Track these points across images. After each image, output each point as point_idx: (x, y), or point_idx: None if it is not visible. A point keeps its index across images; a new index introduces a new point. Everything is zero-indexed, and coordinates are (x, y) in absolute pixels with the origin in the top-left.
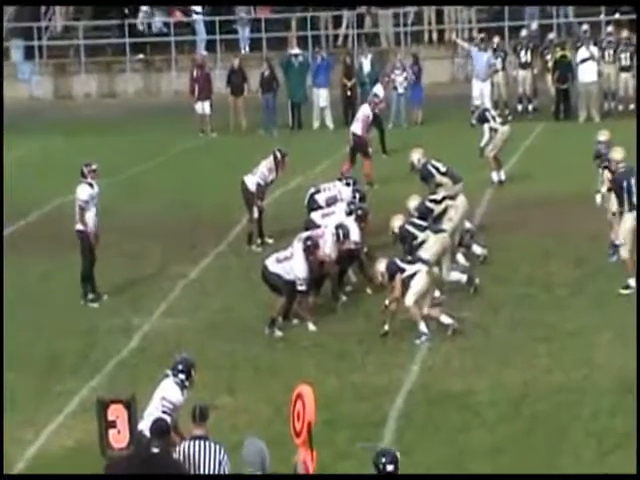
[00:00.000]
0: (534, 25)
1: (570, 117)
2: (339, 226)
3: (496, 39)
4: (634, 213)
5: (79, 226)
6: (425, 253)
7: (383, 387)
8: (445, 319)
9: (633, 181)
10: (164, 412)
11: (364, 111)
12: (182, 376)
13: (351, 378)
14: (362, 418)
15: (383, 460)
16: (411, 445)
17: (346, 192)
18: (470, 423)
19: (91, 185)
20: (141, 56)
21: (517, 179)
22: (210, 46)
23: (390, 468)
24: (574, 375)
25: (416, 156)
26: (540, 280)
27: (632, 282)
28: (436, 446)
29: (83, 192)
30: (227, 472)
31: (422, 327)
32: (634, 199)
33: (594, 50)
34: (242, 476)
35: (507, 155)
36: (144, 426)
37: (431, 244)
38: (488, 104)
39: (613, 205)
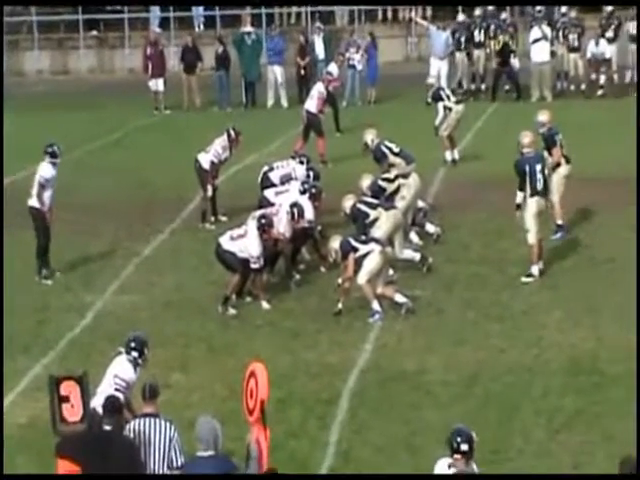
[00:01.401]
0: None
1: (504, 98)
2: (293, 205)
3: (461, 17)
4: (536, 198)
5: (35, 203)
6: (378, 231)
7: (336, 365)
8: (399, 298)
9: (538, 167)
10: (117, 390)
11: (318, 89)
12: (135, 354)
13: (304, 356)
14: (315, 396)
15: (458, 439)
16: (364, 424)
17: (300, 170)
18: (423, 402)
19: (54, 165)
20: (95, 33)
21: (470, 158)
22: (164, 23)
23: (464, 447)
24: (526, 355)
25: (369, 136)
26: (493, 259)
27: (535, 270)
28: (389, 425)
29: (47, 170)
30: (177, 449)
31: (375, 306)
32: (537, 185)
33: (547, 30)
34: (243, 476)
35: (460, 135)
36: (96, 403)
37: (383, 221)
38: (444, 83)
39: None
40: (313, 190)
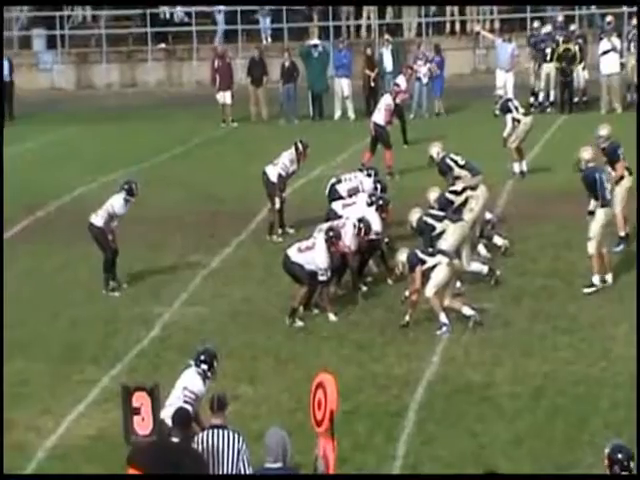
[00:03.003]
0: (560, 17)
1: (574, 109)
2: (360, 220)
3: (548, 28)
4: (606, 209)
5: (98, 222)
6: (444, 243)
7: (403, 378)
8: (466, 310)
9: (605, 177)
10: (186, 402)
11: (386, 101)
12: (204, 366)
13: (371, 368)
14: (382, 408)
15: (619, 456)
16: (431, 436)
17: (367, 183)
18: (490, 415)
19: (127, 202)
20: (163, 45)
21: (538, 170)
22: (231, 36)
23: (632, 465)
24: (594, 367)
25: (435, 150)
26: (561, 271)
27: (596, 280)
28: (456, 437)
29: (119, 205)
30: (246, 461)
31: (443, 318)
32: (607, 195)
33: (616, 42)
34: (245, 476)
35: (528, 146)
36: (165, 415)
37: (450, 233)
38: (511, 95)
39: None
40: (380, 202)
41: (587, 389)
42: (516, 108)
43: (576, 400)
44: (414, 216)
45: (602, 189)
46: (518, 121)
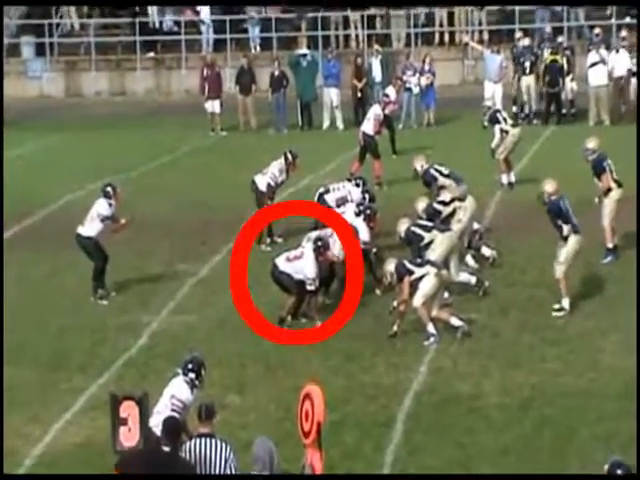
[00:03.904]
0: (548, 28)
1: (563, 121)
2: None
3: (526, 41)
4: (579, 237)
5: (86, 232)
6: (432, 253)
7: (392, 388)
8: (454, 321)
9: (567, 203)
10: (173, 410)
11: (375, 111)
12: (192, 375)
13: (360, 378)
14: (370, 418)
15: (619, 472)
16: (419, 446)
17: (356, 193)
18: (478, 425)
19: (110, 205)
20: (152, 54)
21: (526, 182)
22: (220, 45)
23: None
24: (582, 378)
25: (419, 163)
26: (549, 283)
27: (566, 303)
28: (444, 448)
29: (106, 208)
30: (233, 470)
31: (430, 328)
32: (574, 221)
33: (605, 54)
34: (244, 476)
35: (516, 158)
36: (153, 423)
37: (438, 243)
38: (499, 106)
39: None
40: (368, 212)
41: (575, 400)
42: (504, 119)
43: (564, 411)
44: (402, 226)
45: (568, 216)
46: (506, 132)
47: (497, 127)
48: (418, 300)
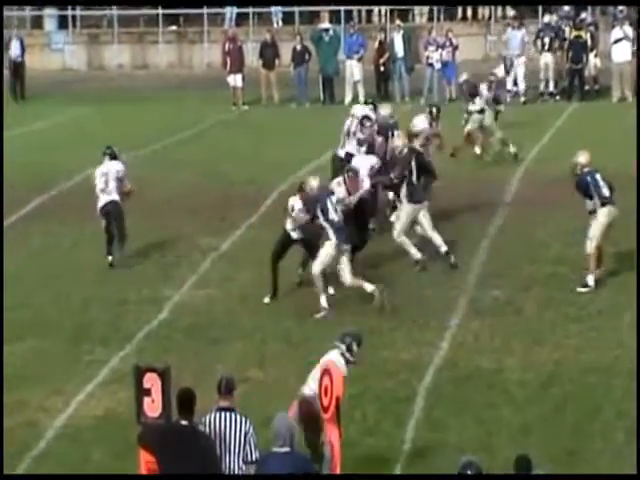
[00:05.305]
0: (566, 7)
1: (586, 97)
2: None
3: (547, 18)
4: (608, 207)
5: (116, 197)
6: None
7: (412, 363)
8: (368, 287)
9: (598, 176)
10: None
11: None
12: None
13: (380, 353)
14: (390, 394)
15: (468, 472)
16: (440, 422)
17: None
18: (499, 401)
19: (124, 164)
20: (174, 28)
21: (549, 157)
22: (242, 19)
23: None
24: (605, 356)
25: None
26: (571, 259)
27: (590, 280)
28: (465, 424)
29: (122, 169)
30: (252, 444)
31: (323, 301)
32: (604, 193)
33: (629, 30)
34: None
35: (539, 134)
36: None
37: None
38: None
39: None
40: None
41: (599, 378)
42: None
43: (587, 389)
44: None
45: (597, 189)
46: (469, 113)
47: (477, 100)
48: (317, 267)
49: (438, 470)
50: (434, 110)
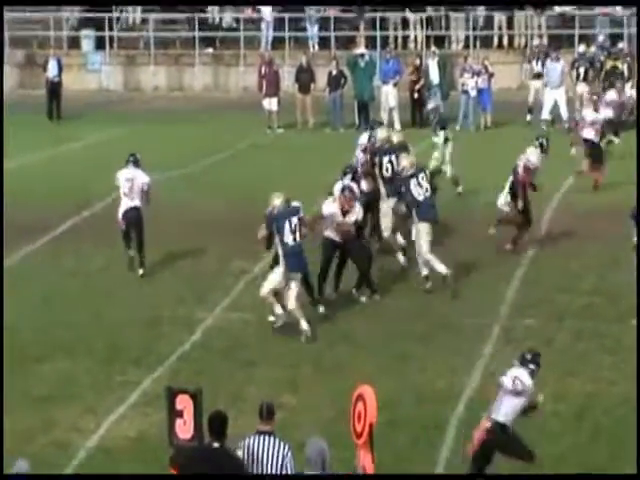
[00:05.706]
0: (601, 37)
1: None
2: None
3: (582, 47)
4: None
5: (138, 203)
6: None
7: (444, 391)
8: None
9: None
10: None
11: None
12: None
13: (412, 380)
14: (422, 422)
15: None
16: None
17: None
18: (532, 433)
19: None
20: (210, 50)
21: (585, 189)
22: (278, 43)
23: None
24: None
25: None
26: (606, 290)
27: None
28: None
29: (147, 177)
30: (290, 468)
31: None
32: None
33: None
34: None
35: (574, 163)
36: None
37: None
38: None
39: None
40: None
41: (631, 410)
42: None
43: (620, 421)
44: None
45: None
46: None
47: (442, 133)
48: (264, 290)
49: None
50: (544, 142)
